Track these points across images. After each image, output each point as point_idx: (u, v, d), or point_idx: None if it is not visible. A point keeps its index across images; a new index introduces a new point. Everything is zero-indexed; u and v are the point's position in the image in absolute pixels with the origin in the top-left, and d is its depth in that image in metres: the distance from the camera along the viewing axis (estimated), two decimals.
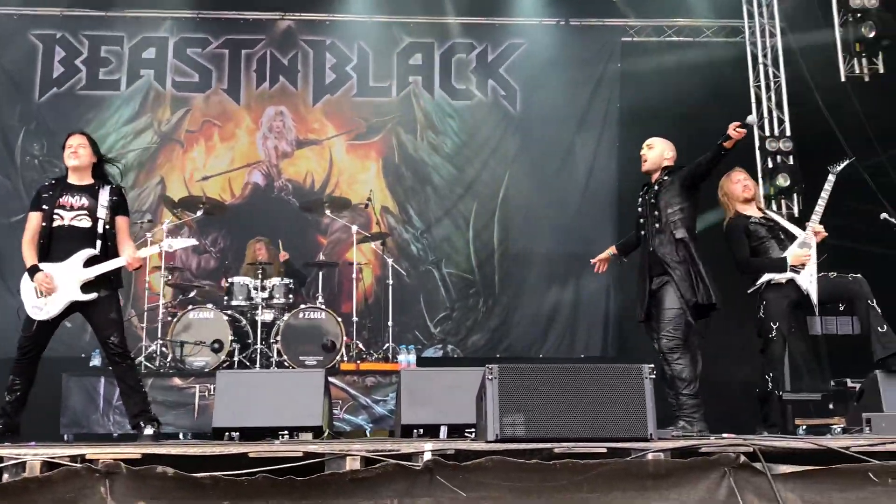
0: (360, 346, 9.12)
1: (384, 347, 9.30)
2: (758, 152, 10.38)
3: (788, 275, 6.44)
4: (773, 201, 10.18)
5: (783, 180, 10.02)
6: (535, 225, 10.88)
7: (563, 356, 10.33)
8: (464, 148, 11.07)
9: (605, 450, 4.41)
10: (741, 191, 6.64)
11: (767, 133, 10.41)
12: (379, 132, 11.02)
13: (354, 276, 9.31)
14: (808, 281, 6.45)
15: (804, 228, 6.60)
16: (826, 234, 6.57)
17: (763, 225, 6.60)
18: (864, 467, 4.40)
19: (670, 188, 6.29)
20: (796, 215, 10.12)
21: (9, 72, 10.66)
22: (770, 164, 10.20)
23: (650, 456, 4.34)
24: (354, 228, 9.40)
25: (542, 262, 10.80)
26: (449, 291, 10.82)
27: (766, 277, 6.49)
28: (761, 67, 10.64)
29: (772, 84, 10.55)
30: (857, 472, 4.38)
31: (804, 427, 9.43)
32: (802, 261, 6.43)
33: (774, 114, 10.47)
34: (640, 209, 6.52)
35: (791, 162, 10.13)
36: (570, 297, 10.77)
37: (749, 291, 6.76)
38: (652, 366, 4.82)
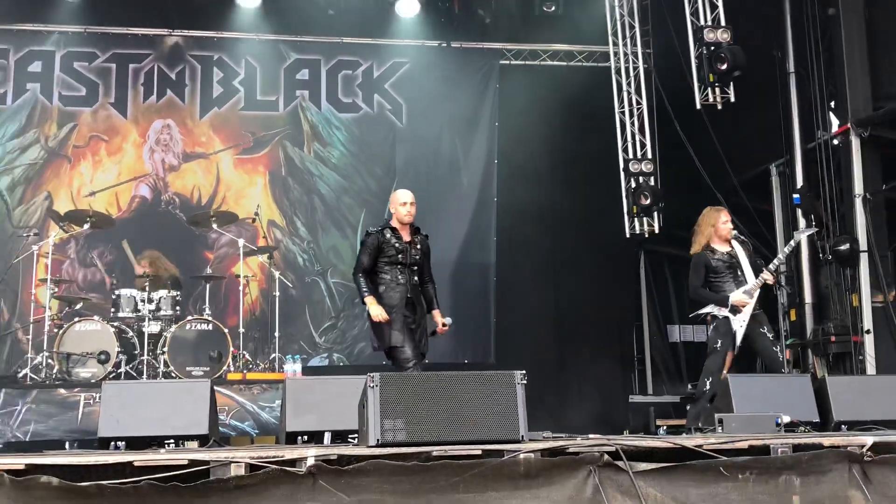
0: (247, 356, 9.00)
1: (270, 358, 9.20)
2: (622, 173, 10.73)
3: (727, 313, 7.13)
4: (636, 219, 10.54)
5: (645, 199, 10.38)
6: (440, 236, 10.90)
7: (449, 362, 10.35)
8: (351, 158, 11.04)
9: (479, 451, 4.50)
10: (725, 233, 7.29)
11: (631, 156, 10.77)
12: (266, 146, 10.90)
13: (241, 289, 9.18)
14: (740, 324, 7.12)
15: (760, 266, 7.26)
16: (774, 280, 7.29)
17: (724, 262, 7.26)
18: (716, 463, 4.61)
19: None
20: (656, 231, 10.52)
21: None
22: (633, 184, 10.56)
23: (521, 456, 4.45)
24: (241, 242, 9.26)
25: (445, 269, 10.81)
26: (335, 300, 10.75)
27: (708, 309, 7.22)
28: (625, 94, 11.00)
29: (635, 110, 10.92)
30: (709, 467, 4.59)
31: (664, 427, 9.81)
32: (741, 305, 7.10)
33: (637, 138, 10.83)
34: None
35: (652, 182, 10.52)
36: (454, 305, 10.78)
37: (690, 315, 7.62)
38: (524, 372, 4.93)
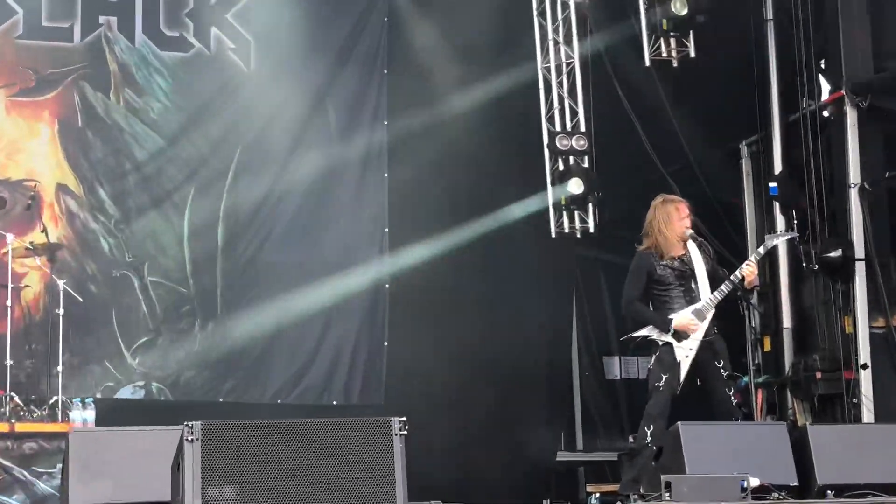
0: (17, 399, 8.78)
1: (51, 401, 8.98)
2: (546, 151, 10.82)
3: (668, 339, 7.31)
4: (565, 212, 10.67)
5: (576, 187, 10.50)
6: (274, 222, 10.83)
7: (311, 403, 10.33)
8: (178, 114, 10.76)
9: None
10: (681, 232, 7.47)
11: (558, 128, 10.87)
12: (55, 87, 10.57)
13: (9, 302, 8.95)
14: (684, 355, 7.30)
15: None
16: (752, 279, 7.52)
17: (675, 270, 7.42)
18: None
19: None
20: (591, 231, 10.66)
21: None
22: (560, 167, 10.68)
23: None
24: (10, 238, 9.01)
25: (282, 274, 10.70)
26: (153, 307, 10.46)
27: (644, 332, 7.41)
28: (551, 43, 11.06)
29: (564, 65, 11.01)
30: None
31: (597, 495, 9.97)
32: (687, 329, 7.26)
33: (566, 103, 10.95)
34: None
35: (586, 164, 10.66)
36: (320, 324, 10.76)
37: (622, 339, 7.80)
38: (403, 419, 4.93)
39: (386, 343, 10.99)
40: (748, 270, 7.40)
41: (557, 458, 10.99)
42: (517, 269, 11.26)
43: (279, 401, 10.52)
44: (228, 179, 10.82)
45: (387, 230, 11.10)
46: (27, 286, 9.94)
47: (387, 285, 11.05)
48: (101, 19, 10.73)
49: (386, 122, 11.21)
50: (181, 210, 10.68)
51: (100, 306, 10.26)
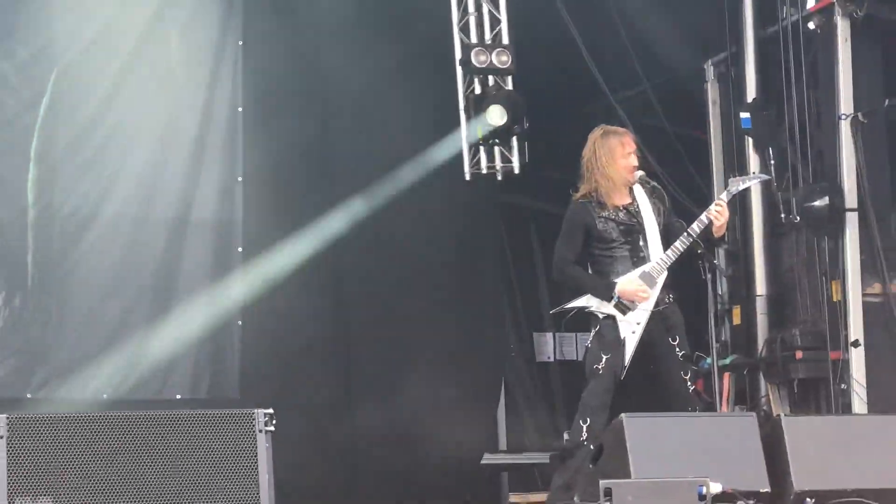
0: None
1: None
2: (458, 70, 10.78)
3: (609, 310, 7.32)
4: (483, 150, 10.66)
5: (497, 116, 10.48)
6: (106, 168, 10.70)
7: (147, 398, 10.25)
8: None
9: None
10: (627, 173, 7.49)
11: (475, 39, 10.85)
12: None
13: None
14: (630, 330, 7.32)
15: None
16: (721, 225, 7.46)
17: (618, 223, 7.41)
18: None
19: None
20: (516, 171, 10.66)
21: None
22: (477, 90, 10.66)
23: None
24: None
25: (114, 230, 10.61)
26: None
27: (580, 302, 7.43)
28: None
29: None
30: None
31: None
32: (634, 297, 7.28)
33: (486, 8, 10.92)
34: None
35: (510, 87, 10.65)
36: (160, 298, 10.70)
37: (552, 311, 7.93)
38: (270, 412, 4.93)
39: (240, 322, 10.97)
40: (716, 213, 7.38)
41: (484, 461, 10.96)
42: (437, 218, 11.17)
43: (104, 395, 10.43)
44: (43, 106, 10.66)
45: (240, 179, 11.03)
46: None
47: (240, 248, 10.98)
48: None
49: (241, 42, 11.10)
50: None
51: None
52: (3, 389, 10.11)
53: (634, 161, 7.52)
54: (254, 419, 4.94)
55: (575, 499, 6.90)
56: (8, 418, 4.75)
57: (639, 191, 7.52)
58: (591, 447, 7.07)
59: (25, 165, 10.57)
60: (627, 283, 7.30)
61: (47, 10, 10.77)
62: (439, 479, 10.83)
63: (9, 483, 4.67)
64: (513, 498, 10.70)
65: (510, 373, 12.10)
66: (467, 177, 10.84)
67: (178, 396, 10.57)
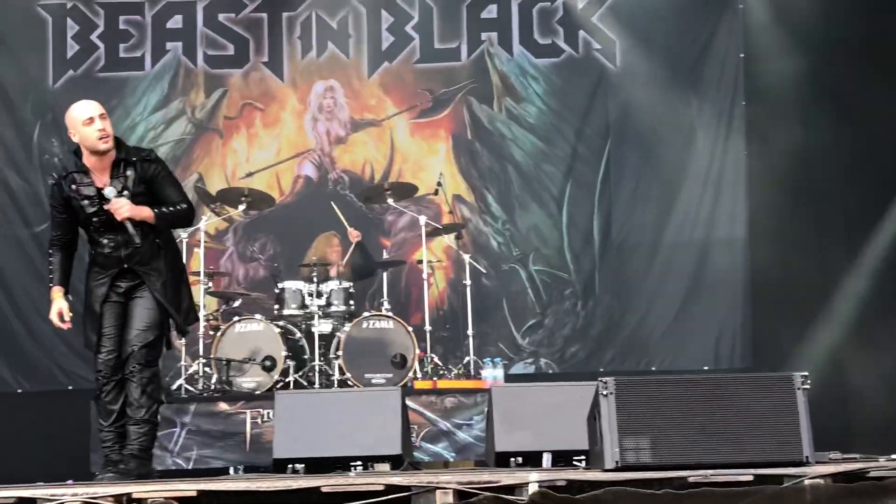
0: (436, 360, 9.15)
1: (464, 361, 9.32)
2: None
3: None
4: None
5: None
6: (644, 207, 10.75)
7: (683, 369, 10.12)
8: (552, 116, 10.92)
9: (751, 477, 4.42)
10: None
11: None
12: (447, 105, 10.97)
13: (425, 276, 9.38)
14: None
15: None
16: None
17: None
18: None
19: None
20: None
21: (15, 53, 10.61)
22: None
23: (807, 483, 4.32)
24: (423, 220, 9.42)
25: (652, 253, 10.65)
26: (539, 293, 10.74)
27: None
28: None
29: None
30: None
31: None
32: None
33: None
34: None
35: None
36: (683, 296, 10.62)
37: None
38: (806, 374, 4.79)
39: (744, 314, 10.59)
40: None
41: None
42: None
43: (653, 367, 10.48)
44: (601, 171, 10.85)
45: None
46: (440, 261, 10.45)
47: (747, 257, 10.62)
48: (483, 36, 11.03)
49: (744, 103, 10.75)
50: (559, 203, 10.87)
51: (493, 297, 10.65)
52: (584, 365, 10.48)
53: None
54: (793, 380, 4.80)
55: None
56: (616, 381, 4.83)
57: None
58: None
59: (591, 209, 10.87)
60: None
61: (603, 96, 10.98)
62: None
63: (619, 426, 4.73)
64: None
65: None
66: None
67: (706, 367, 10.41)
